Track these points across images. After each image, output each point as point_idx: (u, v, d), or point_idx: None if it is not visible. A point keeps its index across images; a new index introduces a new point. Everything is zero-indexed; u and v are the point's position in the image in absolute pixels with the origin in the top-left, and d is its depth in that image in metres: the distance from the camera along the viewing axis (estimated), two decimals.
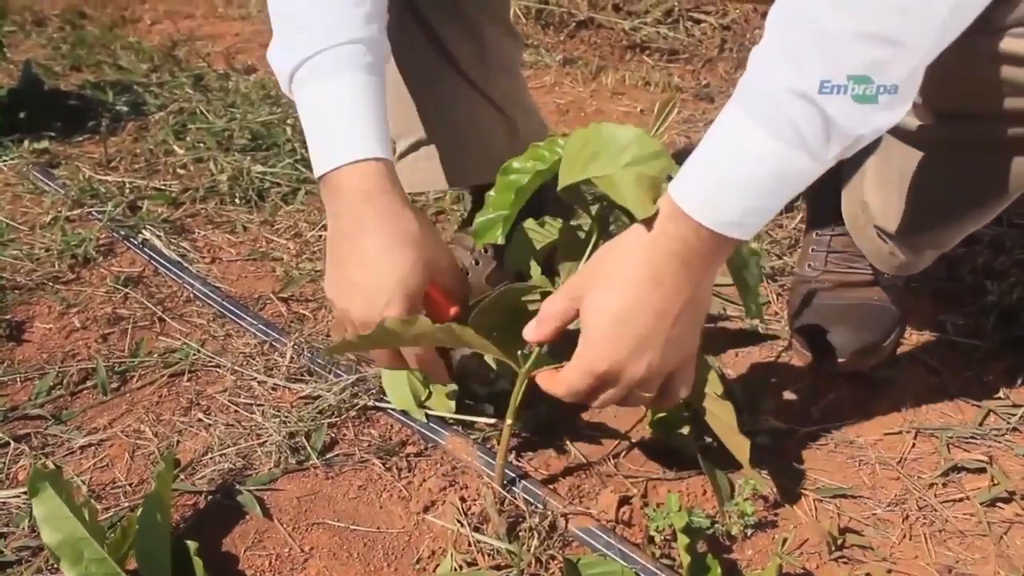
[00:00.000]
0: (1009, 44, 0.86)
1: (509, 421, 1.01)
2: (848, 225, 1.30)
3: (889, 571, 0.97)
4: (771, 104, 0.75)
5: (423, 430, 1.15)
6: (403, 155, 1.33)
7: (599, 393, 0.90)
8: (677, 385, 0.92)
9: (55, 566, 0.94)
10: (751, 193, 0.78)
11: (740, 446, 0.98)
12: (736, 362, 1.30)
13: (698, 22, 2.66)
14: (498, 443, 1.08)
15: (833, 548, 0.99)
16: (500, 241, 0.98)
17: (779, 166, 0.77)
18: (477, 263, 1.34)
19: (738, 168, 0.78)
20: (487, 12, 1.25)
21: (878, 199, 1.18)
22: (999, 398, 1.22)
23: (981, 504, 1.05)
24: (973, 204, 1.07)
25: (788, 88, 0.74)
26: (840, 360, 1.25)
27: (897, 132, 1.11)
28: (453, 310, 1.02)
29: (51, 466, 1.13)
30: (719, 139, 0.80)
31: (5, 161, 1.98)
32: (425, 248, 0.97)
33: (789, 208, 1.65)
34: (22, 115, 2.21)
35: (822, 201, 1.39)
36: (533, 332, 0.92)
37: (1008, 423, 1.18)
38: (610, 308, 0.85)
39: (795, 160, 0.77)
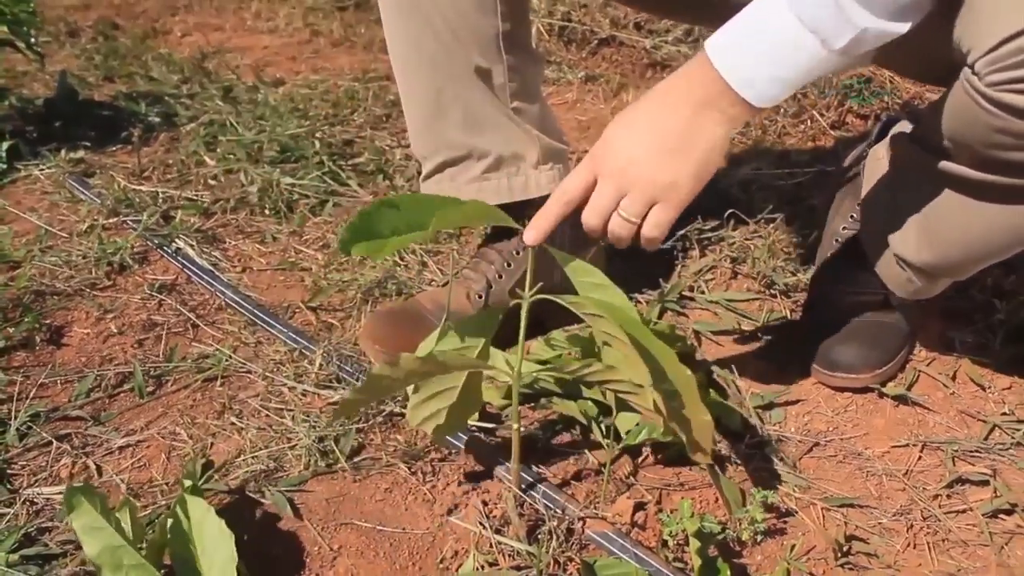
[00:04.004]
0: (1011, 99, 0.92)
1: (515, 426, 1.05)
2: (867, 250, 1.34)
3: None
4: None
5: (447, 436, 1.20)
6: (429, 175, 1.38)
7: (592, 192, 1.01)
8: (656, 218, 1.00)
9: None
10: (768, 61, 0.94)
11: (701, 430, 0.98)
12: (748, 376, 1.33)
13: None
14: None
15: (839, 555, 1.03)
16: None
17: (796, 41, 0.92)
18: (500, 276, 1.39)
19: (763, 36, 0.94)
20: (509, 39, 1.30)
21: (900, 231, 1.22)
22: (1005, 414, 1.26)
23: (983, 515, 1.09)
24: (994, 242, 1.12)
25: None
26: (851, 375, 1.29)
27: (922, 170, 1.16)
28: None
29: (91, 465, 1.18)
30: (756, 7, 0.95)
31: (42, 170, 2.04)
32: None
33: (805, 226, 1.69)
34: (57, 124, 2.28)
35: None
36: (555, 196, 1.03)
37: (1012, 438, 1.21)
38: (622, 117, 1.01)
39: (809, 40, 0.91)
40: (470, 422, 1.20)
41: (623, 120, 1.01)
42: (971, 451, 1.19)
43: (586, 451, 1.19)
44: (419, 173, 1.44)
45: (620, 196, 1.00)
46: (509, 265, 1.39)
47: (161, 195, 1.91)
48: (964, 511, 1.11)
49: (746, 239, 1.68)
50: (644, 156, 0.98)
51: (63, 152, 2.12)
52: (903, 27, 0.92)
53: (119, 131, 2.27)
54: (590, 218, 1.02)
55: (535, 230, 1.00)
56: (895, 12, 0.91)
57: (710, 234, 1.70)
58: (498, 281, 1.39)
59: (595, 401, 1.20)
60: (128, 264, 1.65)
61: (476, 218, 1.06)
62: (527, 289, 0.98)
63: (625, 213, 1.00)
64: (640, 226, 1.01)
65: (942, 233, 1.16)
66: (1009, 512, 1.10)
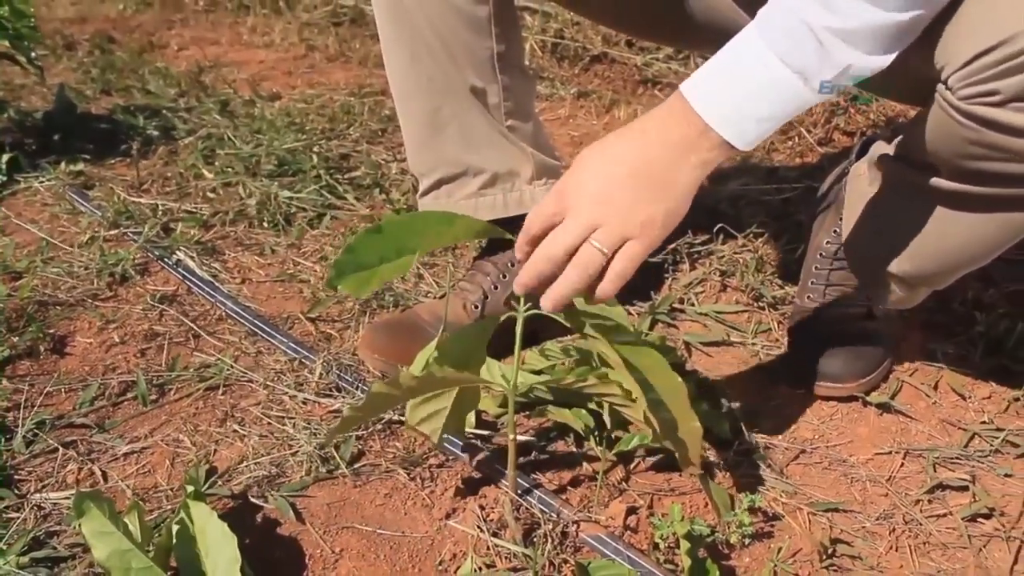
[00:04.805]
0: (995, 114, 0.95)
1: (512, 435, 1.09)
2: (850, 262, 1.38)
3: None
4: (782, 28, 0.90)
5: (444, 443, 1.23)
6: (426, 192, 1.42)
7: (556, 229, 0.94)
8: (625, 258, 0.94)
9: None
10: (750, 101, 0.92)
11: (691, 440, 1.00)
12: (737, 386, 1.37)
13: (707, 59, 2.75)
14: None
15: (824, 557, 1.07)
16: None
17: (778, 81, 0.91)
18: (496, 287, 1.42)
19: (742, 77, 0.92)
20: (503, 60, 1.34)
21: (881, 243, 1.26)
22: (984, 422, 1.30)
23: (963, 519, 1.13)
24: (970, 250, 1.15)
25: (801, 19, 0.89)
26: (836, 385, 1.33)
27: (901, 184, 1.20)
28: None
29: (97, 471, 1.21)
30: (734, 49, 0.94)
31: (42, 182, 2.07)
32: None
33: (792, 240, 1.74)
34: (56, 137, 2.31)
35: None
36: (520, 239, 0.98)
37: (991, 445, 1.25)
38: (590, 150, 0.96)
39: (792, 80, 0.91)
40: (468, 430, 1.24)
41: (594, 156, 0.96)
42: (951, 458, 1.23)
43: (580, 458, 1.23)
44: (415, 188, 1.48)
45: (587, 232, 0.93)
46: (504, 277, 1.43)
47: (160, 207, 1.95)
48: (944, 515, 1.14)
49: (735, 253, 1.72)
50: (617, 198, 0.93)
51: (62, 165, 2.15)
52: (887, 60, 0.93)
53: (118, 144, 2.31)
54: (547, 251, 0.95)
55: (520, 286, 0.97)
56: (878, 47, 0.91)
57: (700, 248, 1.74)
58: (494, 292, 1.42)
59: (589, 409, 1.23)
60: (129, 275, 1.68)
61: (465, 235, 1.08)
62: (521, 305, 1.01)
63: (597, 243, 0.93)
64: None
65: (922, 244, 1.20)
66: (987, 516, 1.14)
